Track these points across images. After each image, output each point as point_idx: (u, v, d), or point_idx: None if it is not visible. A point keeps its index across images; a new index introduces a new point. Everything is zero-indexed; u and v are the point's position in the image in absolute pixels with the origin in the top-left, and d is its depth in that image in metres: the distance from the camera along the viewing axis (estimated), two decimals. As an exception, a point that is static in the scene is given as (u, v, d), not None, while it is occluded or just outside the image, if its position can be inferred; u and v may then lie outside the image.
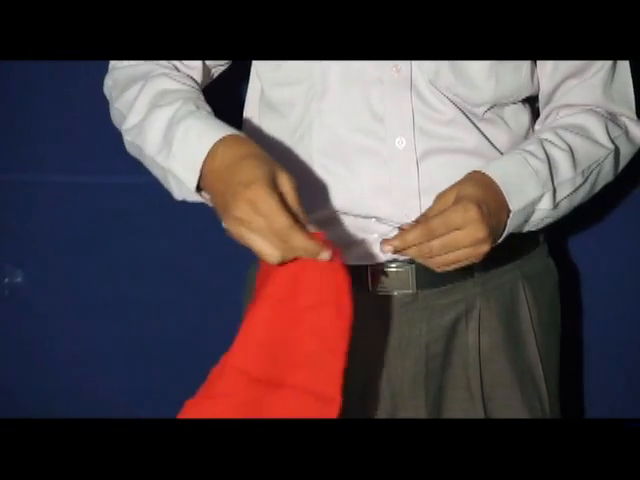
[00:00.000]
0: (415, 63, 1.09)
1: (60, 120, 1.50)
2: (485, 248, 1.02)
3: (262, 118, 1.19)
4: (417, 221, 1.02)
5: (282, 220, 0.92)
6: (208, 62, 1.18)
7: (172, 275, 1.54)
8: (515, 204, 1.05)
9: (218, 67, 1.21)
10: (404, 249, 1.00)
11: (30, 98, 1.50)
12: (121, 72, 1.15)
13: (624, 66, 1.17)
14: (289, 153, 1.15)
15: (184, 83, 1.11)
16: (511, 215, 1.05)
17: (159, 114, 1.05)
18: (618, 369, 1.53)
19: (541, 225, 1.12)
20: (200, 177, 1.00)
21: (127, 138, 1.11)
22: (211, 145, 0.99)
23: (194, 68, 1.17)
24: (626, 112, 1.18)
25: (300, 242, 0.93)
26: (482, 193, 1.02)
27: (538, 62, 1.16)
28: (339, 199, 1.13)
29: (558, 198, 1.09)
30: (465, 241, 1.00)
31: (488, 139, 1.14)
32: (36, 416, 1.22)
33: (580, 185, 1.11)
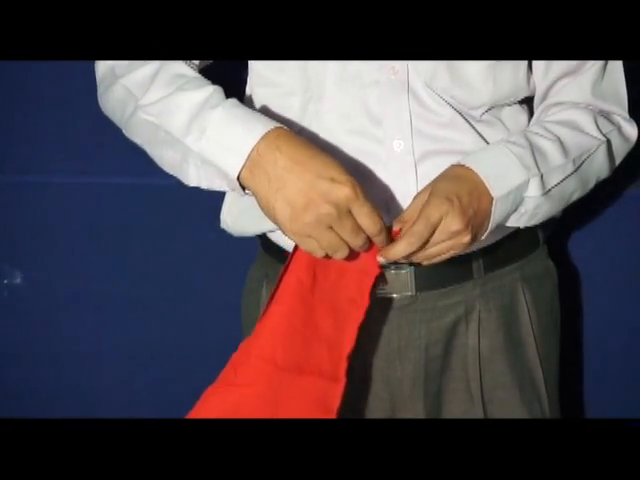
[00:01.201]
0: (412, 65, 1.09)
1: (60, 121, 1.50)
2: (465, 239, 1.01)
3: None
4: (396, 222, 1.02)
5: (379, 220, 0.97)
6: None
7: (172, 275, 1.54)
8: (497, 190, 1.03)
9: None
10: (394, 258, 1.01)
11: (30, 98, 1.50)
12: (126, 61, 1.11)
13: (616, 65, 1.17)
14: None
15: (198, 73, 1.08)
16: (494, 202, 1.03)
17: (186, 96, 1.01)
18: (618, 371, 1.53)
19: (537, 217, 1.10)
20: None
21: (142, 115, 1.04)
22: (263, 133, 0.97)
23: None
24: (618, 110, 1.17)
25: (386, 242, 0.98)
26: (453, 186, 1.02)
27: (532, 63, 1.15)
28: None
29: (548, 185, 1.08)
30: (441, 235, 1.01)
31: (486, 141, 1.14)
32: (36, 416, 1.22)
33: (571, 173, 1.10)
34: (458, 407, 1.18)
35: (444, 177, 1.04)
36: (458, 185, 1.02)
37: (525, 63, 1.13)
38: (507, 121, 1.16)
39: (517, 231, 1.16)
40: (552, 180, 1.08)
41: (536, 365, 1.21)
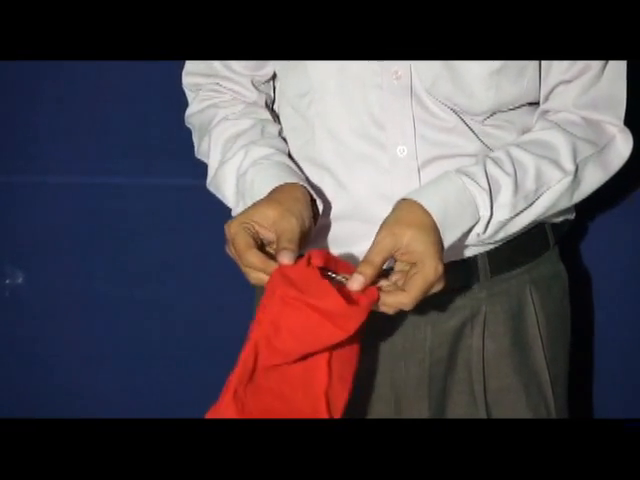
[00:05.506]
0: (414, 71, 1.08)
1: (60, 121, 1.51)
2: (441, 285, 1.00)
3: (281, 117, 1.20)
4: (365, 260, 0.98)
5: (239, 241, 1.00)
6: (250, 70, 1.19)
7: (172, 275, 1.55)
8: (448, 239, 1.02)
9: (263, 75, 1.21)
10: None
11: (30, 99, 1.50)
12: (195, 119, 1.21)
13: (613, 75, 1.11)
14: (297, 155, 1.16)
15: (245, 116, 1.17)
16: (445, 247, 1.02)
17: (226, 170, 1.14)
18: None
19: (477, 241, 1.08)
20: None
21: (210, 189, 1.19)
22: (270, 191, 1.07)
23: (237, 73, 1.19)
24: (613, 120, 1.12)
25: (248, 260, 1.00)
26: (428, 238, 0.99)
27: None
28: (342, 204, 1.13)
29: (495, 220, 1.06)
30: (434, 289, 0.99)
31: (492, 143, 1.12)
32: (36, 416, 1.22)
33: (523, 210, 1.07)
34: (462, 409, 1.18)
35: (419, 228, 1.00)
36: (429, 236, 0.99)
37: (531, 69, 1.10)
38: (517, 122, 1.13)
39: (525, 233, 1.14)
40: (498, 217, 1.06)
41: (543, 368, 1.20)
